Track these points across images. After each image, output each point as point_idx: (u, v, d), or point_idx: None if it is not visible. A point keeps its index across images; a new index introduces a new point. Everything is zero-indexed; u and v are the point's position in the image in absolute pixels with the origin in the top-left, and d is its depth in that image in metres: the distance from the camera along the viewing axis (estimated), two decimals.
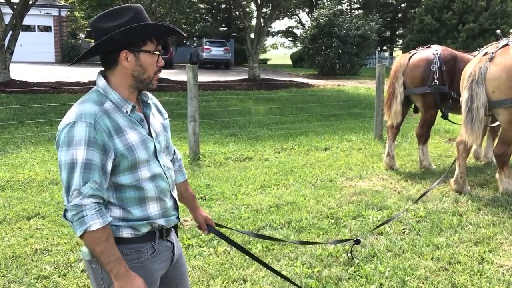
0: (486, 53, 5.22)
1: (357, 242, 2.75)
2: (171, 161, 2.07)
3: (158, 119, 1.93)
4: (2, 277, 3.34)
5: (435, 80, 5.92)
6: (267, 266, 2.43)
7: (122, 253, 1.74)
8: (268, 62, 39.93)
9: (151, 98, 1.95)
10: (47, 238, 3.95)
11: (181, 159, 2.15)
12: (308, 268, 3.49)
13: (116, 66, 1.74)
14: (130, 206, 1.74)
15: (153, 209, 1.79)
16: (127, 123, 1.73)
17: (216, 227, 2.25)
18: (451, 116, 6.21)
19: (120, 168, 1.71)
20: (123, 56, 1.72)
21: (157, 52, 1.76)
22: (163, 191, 1.83)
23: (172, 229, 1.94)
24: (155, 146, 1.82)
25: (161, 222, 1.82)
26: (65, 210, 1.66)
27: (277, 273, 2.46)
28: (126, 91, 1.76)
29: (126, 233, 1.75)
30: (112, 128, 1.67)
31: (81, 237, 1.63)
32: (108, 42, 1.69)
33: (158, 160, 1.83)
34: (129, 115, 1.75)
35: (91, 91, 1.77)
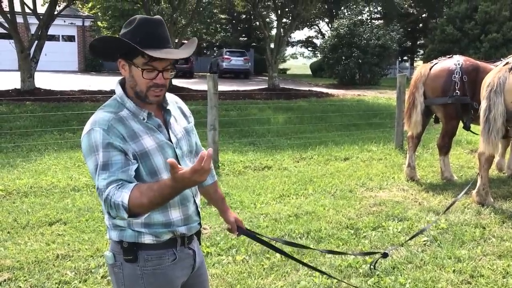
0: (507, 63, 5.16)
1: (385, 255, 2.71)
2: None
3: (182, 123, 1.93)
4: (25, 282, 3.40)
5: (457, 91, 5.85)
6: (303, 263, 2.40)
7: (143, 259, 1.76)
8: (288, 72, 39.97)
9: (176, 102, 1.97)
10: (69, 244, 4.01)
11: None
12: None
13: (122, 74, 1.79)
14: (152, 212, 1.74)
15: (175, 214, 1.80)
16: (144, 129, 1.75)
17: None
18: (473, 127, 6.12)
19: (140, 173, 1.72)
20: (120, 64, 1.77)
21: (149, 69, 1.70)
22: (186, 196, 1.83)
23: (195, 236, 1.94)
24: (175, 151, 1.82)
25: (182, 230, 1.83)
26: (107, 212, 1.65)
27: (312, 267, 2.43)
28: (139, 101, 1.77)
29: (148, 239, 1.76)
30: (126, 135, 1.69)
31: (130, 215, 1.58)
32: (92, 47, 1.77)
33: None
34: (146, 122, 1.77)
35: (110, 99, 1.80)
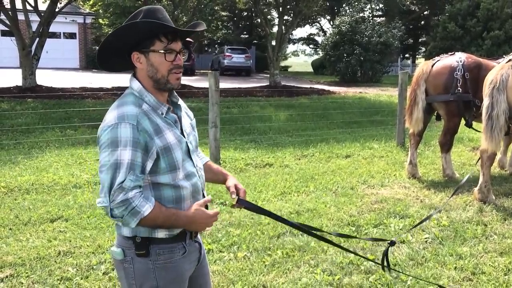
0: (509, 60, 5.14)
1: (392, 243, 2.72)
2: None
3: (187, 119, 1.96)
4: (27, 278, 3.40)
5: (458, 88, 5.84)
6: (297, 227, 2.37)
7: (155, 253, 1.78)
8: (289, 69, 39.94)
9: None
10: (70, 241, 4.02)
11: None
12: (329, 276, 3.47)
13: (136, 68, 1.79)
14: (167, 205, 1.77)
15: (187, 207, 1.82)
16: (164, 124, 1.77)
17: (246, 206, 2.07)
18: (475, 124, 6.11)
19: (160, 167, 1.74)
20: (134, 58, 1.77)
21: (169, 51, 1.75)
22: (197, 189, 1.87)
23: None
24: (187, 145, 1.85)
25: None
26: (111, 210, 1.66)
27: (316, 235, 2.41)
28: (156, 93, 1.79)
29: (162, 233, 1.78)
30: (152, 129, 1.71)
31: (137, 224, 1.69)
32: (105, 45, 1.76)
33: (191, 160, 1.87)
34: (164, 116, 1.78)
35: (127, 94, 1.79)
